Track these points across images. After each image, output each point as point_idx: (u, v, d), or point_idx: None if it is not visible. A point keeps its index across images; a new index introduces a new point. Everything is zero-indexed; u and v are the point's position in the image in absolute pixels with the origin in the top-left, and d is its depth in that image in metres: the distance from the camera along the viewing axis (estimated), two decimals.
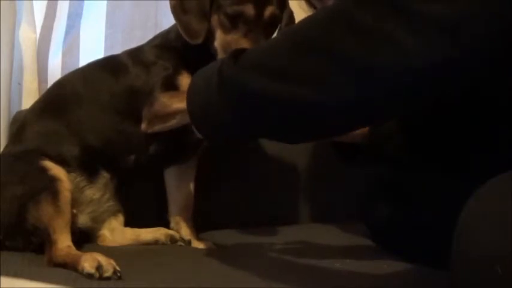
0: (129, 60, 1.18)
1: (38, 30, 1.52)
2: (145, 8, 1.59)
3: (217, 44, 1.11)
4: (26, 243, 1.02)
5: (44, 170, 1.05)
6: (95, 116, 1.14)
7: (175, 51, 1.16)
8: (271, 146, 1.52)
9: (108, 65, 1.20)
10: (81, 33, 1.56)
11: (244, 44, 1.06)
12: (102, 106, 1.15)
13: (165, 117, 1.08)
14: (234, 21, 1.09)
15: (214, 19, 1.10)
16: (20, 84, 1.48)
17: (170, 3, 1.12)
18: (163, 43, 1.18)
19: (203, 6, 1.11)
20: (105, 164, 1.15)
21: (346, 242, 1.23)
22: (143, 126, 1.11)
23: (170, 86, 1.11)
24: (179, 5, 1.12)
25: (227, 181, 1.43)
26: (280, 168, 1.52)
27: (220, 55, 1.09)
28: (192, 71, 1.08)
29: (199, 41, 1.10)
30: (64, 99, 1.18)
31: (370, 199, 1.22)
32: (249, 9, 1.08)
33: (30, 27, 1.49)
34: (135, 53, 1.19)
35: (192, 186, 1.24)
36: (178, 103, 1.03)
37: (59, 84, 1.24)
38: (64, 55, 1.54)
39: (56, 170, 1.06)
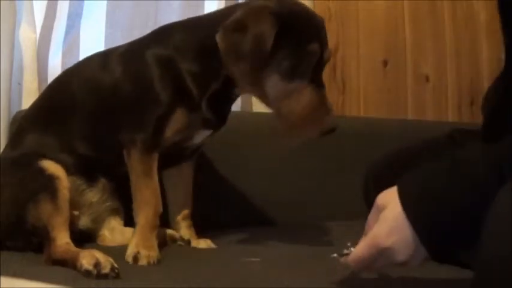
0: (122, 65, 1.10)
1: (38, 30, 1.51)
2: (145, 8, 1.59)
3: (273, 93, 1.00)
4: (26, 243, 1.02)
5: (42, 171, 1.04)
6: (85, 125, 1.12)
7: (180, 74, 1.05)
8: (271, 146, 1.52)
9: (100, 66, 1.13)
10: (81, 33, 1.56)
11: (311, 93, 0.98)
12: (93, 115, 1.12)
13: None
14: (297, 65, 0.99)
15: (271, 67, 0.98)
16: (20, 84, 1.48)
17: (220, 47, 0.99)
18: (171, 58, 1.06)
19: (261, 53, 0.96)
20: (101, 171, 1.14)
21: (346, 241, 1.23)
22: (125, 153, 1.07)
23: (159, 127, 1.05)
24: (233, 49, 0.98)
25: (227, 181, 1.43)
26: (280, 168, 1.52)
27: (277, 104, 1.01)
28: (191, 105, 1.05)
29: (249, 92, 1.03)
30: (57, 105, 1.16)
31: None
32: (318, 49, 0.99)
33: (30, 27, 1.49)
34: (132, 57, 1.11)
35: (190, 185, 1.22)
36: (144, 184, 1.04)
37: (55, 84, 1.22)
38: (64, 55, 1.54)
39: (53, 168, 1.05)
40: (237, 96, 1.15)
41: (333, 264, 0.94)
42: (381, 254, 0.77)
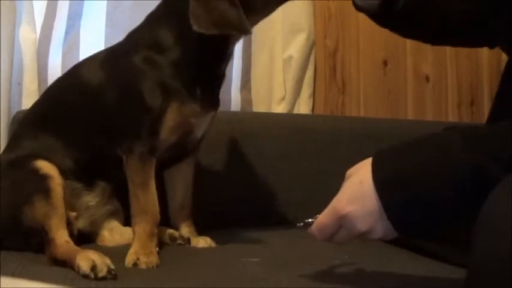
0: (105, 73, 1.10)
1: (38, 30, 1.51)
2: (145, 8, 1.58)
3: None
4: (25, 244, 1.02)
5: (36, 171, 1.04)
6: (80, 131, 1.12)
7: (163, 71, 1.05)
8: (271, 146, 1.52)
9: (87, 73, 1.13)
10: (81, 33, 1.56)
11: None
12: (86, 122, 1.11)
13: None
14: None
15: None
16: (20, 84, 1.48)
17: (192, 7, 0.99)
18: (150, 58, 1.06)
19: None
20: (98, 175, 1.14)
21: None
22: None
23: (154, 131, 1.04)
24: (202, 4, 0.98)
25: (227, 181, 1.43)
26: (280, 168, 1.52)
27: None
28: (182, 97, 1.04)
29: (250, 31, 1.00)
30: (52, 111, 1.16)
31: None
32: None
33: (30, 27, 1.49)
34: (113, 65, 1.10)
35: (191, 184, 1.22)
36: (141, 194, 1.03)
37: (50, 89, 1.22)
38: (64, 55, 1.54)
39: (46, 168, 1.05)
40: (231, 53, 1.13)
41: (333, 265, 0.94)
42: (341, 222, 0.76)
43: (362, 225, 0.74)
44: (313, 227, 0.81)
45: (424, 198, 0.71)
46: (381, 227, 0.74)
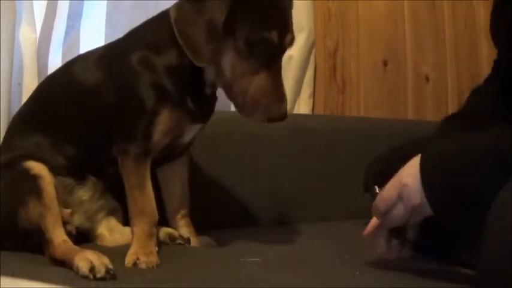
0: (101, 72, 1.09)
1: (38, 30, 1.51)
2: (145, 8, 1.59)
3: (227, 69, 0.99)
4: (24, 245, 1.02)
5: (26, 172, 1.04)
6: (72, 129, 1.11)
7: (158, 73, 1.04)
8: (271, 146, 1.52)
9: (81, 72, 1.12)
10: (81, 33, 1.57)
11: (265, 77, 0.97)
12: (79, 119, 1.11)
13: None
14: (253, 48, 0.97)
15: (228, 42, 0.98)
16: (20, 84, 1.48)
17: (172, 16, 1.00)
18: (146, 58, 1.05)
19: (215, 25, 0.96)
20: (90, 171, 1.13)
21: (345, 240, 1.23)
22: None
23: (148, 133, 1.04)
24: (183, 20, 0.99)
25: (227, 181, 1.43)
26: (280, 168, 1.52)
27: (230, 82, 0.99)
28: (175, 102, 1.03)
29: (205, 63, 1.00)
30: (44, 109, 1.15)
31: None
32: (275, 37, 0.97)
33: (30, 27, 1.49)
34: (109, 64, 1.10)
35: (186, 182, 1.21)
36: (138, 195, 1.03)
37: (41, 88, 1.22)
38: (64, 55, 1.54)
39: (36, 168, 1.04)
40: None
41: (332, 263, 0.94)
42: (401, 193, 0.85)
43: (416, 198, 0.84)
44: (378, 198, 0.90)
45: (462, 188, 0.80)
46: (424, 209, 0.84)
